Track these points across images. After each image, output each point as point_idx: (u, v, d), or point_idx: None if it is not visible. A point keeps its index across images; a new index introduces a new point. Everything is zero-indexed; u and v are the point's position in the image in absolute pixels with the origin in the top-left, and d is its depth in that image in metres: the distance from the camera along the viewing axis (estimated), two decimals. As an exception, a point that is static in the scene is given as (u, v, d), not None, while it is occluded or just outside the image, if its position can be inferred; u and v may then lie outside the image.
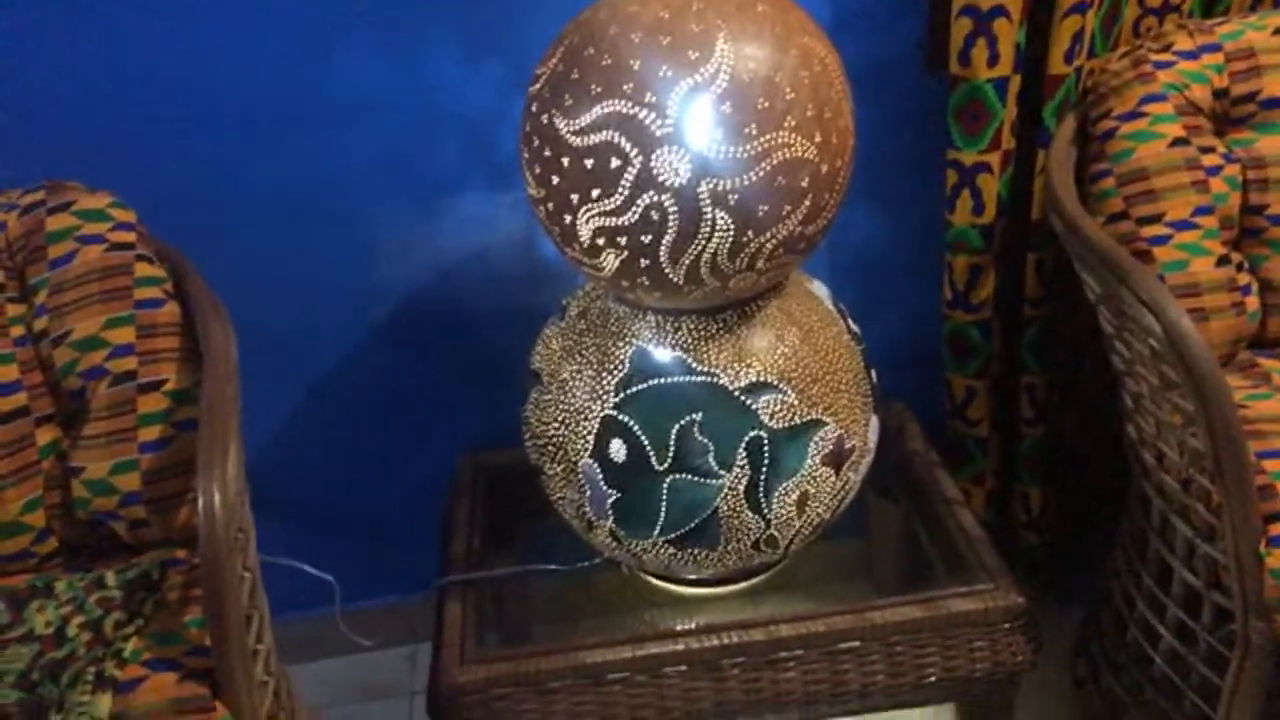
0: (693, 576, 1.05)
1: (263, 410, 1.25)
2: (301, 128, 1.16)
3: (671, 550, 0.95)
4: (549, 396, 0.97)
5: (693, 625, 1.01)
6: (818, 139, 0.81)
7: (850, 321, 1.02)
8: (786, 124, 0.79)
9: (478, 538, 1.16)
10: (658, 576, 1.09)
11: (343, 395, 1.33)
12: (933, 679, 1.01)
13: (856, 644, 1.00)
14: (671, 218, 0.80)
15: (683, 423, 0.90)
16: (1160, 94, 1.07)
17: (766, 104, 0.78)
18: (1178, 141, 1.06)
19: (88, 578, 0.93)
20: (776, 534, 0.94)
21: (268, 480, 1.26)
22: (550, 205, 0.85)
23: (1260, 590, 0.88)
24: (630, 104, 0.78)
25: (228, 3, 1.08)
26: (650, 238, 0.82)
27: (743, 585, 1.07)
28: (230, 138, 1.15)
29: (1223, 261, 1.04)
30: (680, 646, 0.98)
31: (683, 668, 0.98)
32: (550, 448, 0.97)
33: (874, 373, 1.02)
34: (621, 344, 0.94)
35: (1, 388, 0.94)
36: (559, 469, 0.97)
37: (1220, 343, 1.05)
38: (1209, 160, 1.06)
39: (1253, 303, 1.07)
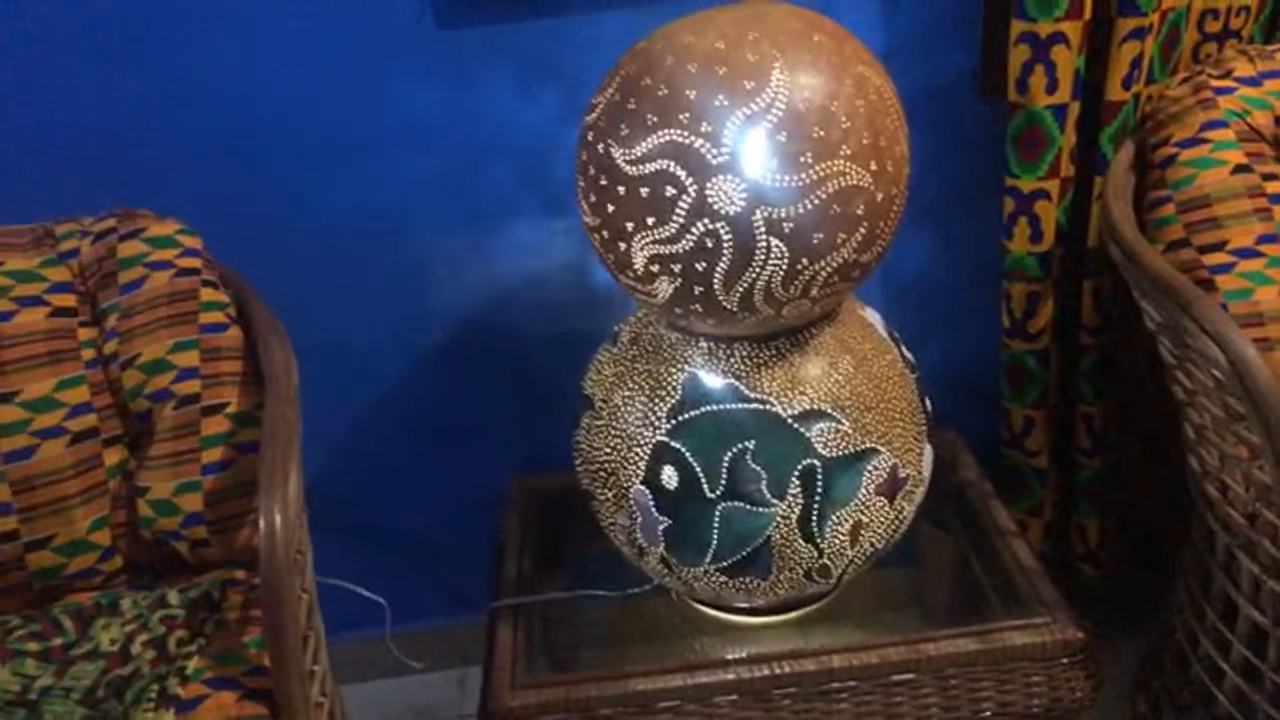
0: (744, 605, 1.05)
1: (318, 432, 1.27)
2: (358, 153, 1.19)
3: (723, 578, 0.95)
4: (601, 422, 0.98)
5: (743, 654, 1.00)
6: (873, 167, 0.81)
7: (904, 349, 1.02)
8: (842, 152, 0.79)
9: (528, 562, 1.17)
10: (708, 604, 1.09)
11: (396, 417, 1.35)
12: (988, 713, 0.99)
13: (910, 676, 0.99)
14: (726, 246, 0.80)
15: (735, 450, 0.90)
16: (1221, 120, 1.06)
17: (822, 132, 0.79)
18: (1240, 168, 1.04)
19: (151, 596, 0.95)
20: (829, 563, 0.94)
21: (321, 501, 1.28)
22: (605, 233, 0.86)
23: (1332, 629, 0.86)
24: (686, 133, 0.79)
25: (287, 32, 1.12)
26: (704, 265, 0.82)
27: (794, 614, 1.06)
28: (289, 163, 1.18)
29: (1288, 290, 1.02)
30: (731, 676, 0.97)
31: (734, 697, 0.98)
32: (602, 473, 0.98)
33: (928, 401, 1.01)
34: (674, 370, 0.94)
35: (73, 409, 0.97)
36: (610, 495, 0.97)
37: (1287, 373, 1.02)
38: (1272, 188, 1.04)
39: (1320, 332, 1.04)
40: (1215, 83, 1.08)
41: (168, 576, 1.00)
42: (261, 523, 0.81)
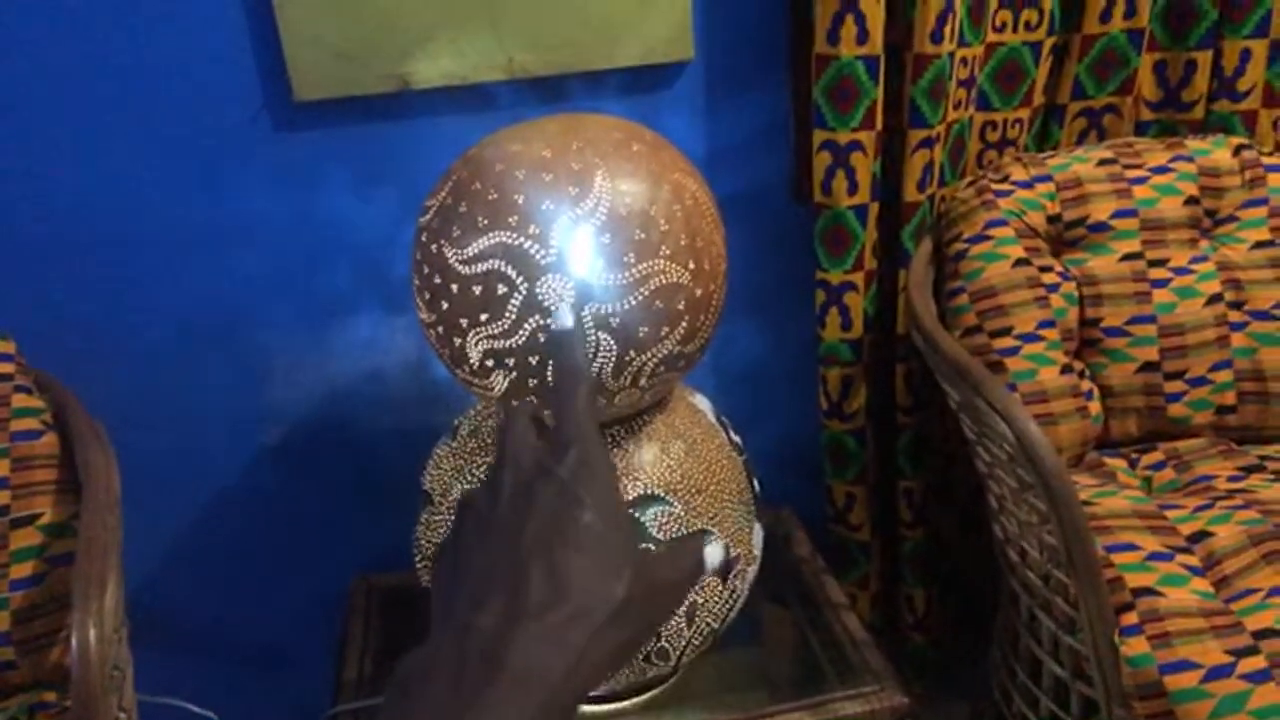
0: (588, 693, 1.05)
1: (145, 538, 1.21)
2: (191, 252, 1.17)
3: (565, 667, 0.95)
4: (440, 517, 0.98)
5: (589, 743, 1.01)
6: (691, 266, 0.87)
7: (732, 433, 1.07)
8: (662, 253, 0.85)
9: (370, 663, 1.14)
10: (554, 695, 1.09)
11: (230, 520, 1.30)
12: (826, 782, 1.03)
13: (751, 753, 1.01)
14: (556, 341, 0.84)
15: (573, 538, 0.92)
16: (1002, 219, 1.18)
17: (642, 235, 0.84)
18: (1020, 261, 1.16)
19: (-54, 727, 0.88)
20: (668, 645, 0.96)
21: (148, 612, 1.22)
22: (440, 329, 0.88)
23: (1119, 678, 0.94)
24: (515, 234, 0.83)
25: (114, 132, 1.10)
26: (537, 359, 0.85)
27: (637, 700, 1.08)
28: (116, 262, 1.15)
29: (1066, 370, 1.14)
30: (577, 766, 0.97)
31: (579, 788, 0.98)
32: (442, 568, 0.97)
33: (756, 482, 1.06)
34: (512, 462, 0.96)
35: None
36: (451, 589, 0.97)
37: (1069, 445, 1.13)
38: (1048, 278, 1.17)
39: (1095, 407, 1.16)
40: (995, 186, 1.21)
41: (-33, 704, 0.93)
42: (74, 638, 0.77)
